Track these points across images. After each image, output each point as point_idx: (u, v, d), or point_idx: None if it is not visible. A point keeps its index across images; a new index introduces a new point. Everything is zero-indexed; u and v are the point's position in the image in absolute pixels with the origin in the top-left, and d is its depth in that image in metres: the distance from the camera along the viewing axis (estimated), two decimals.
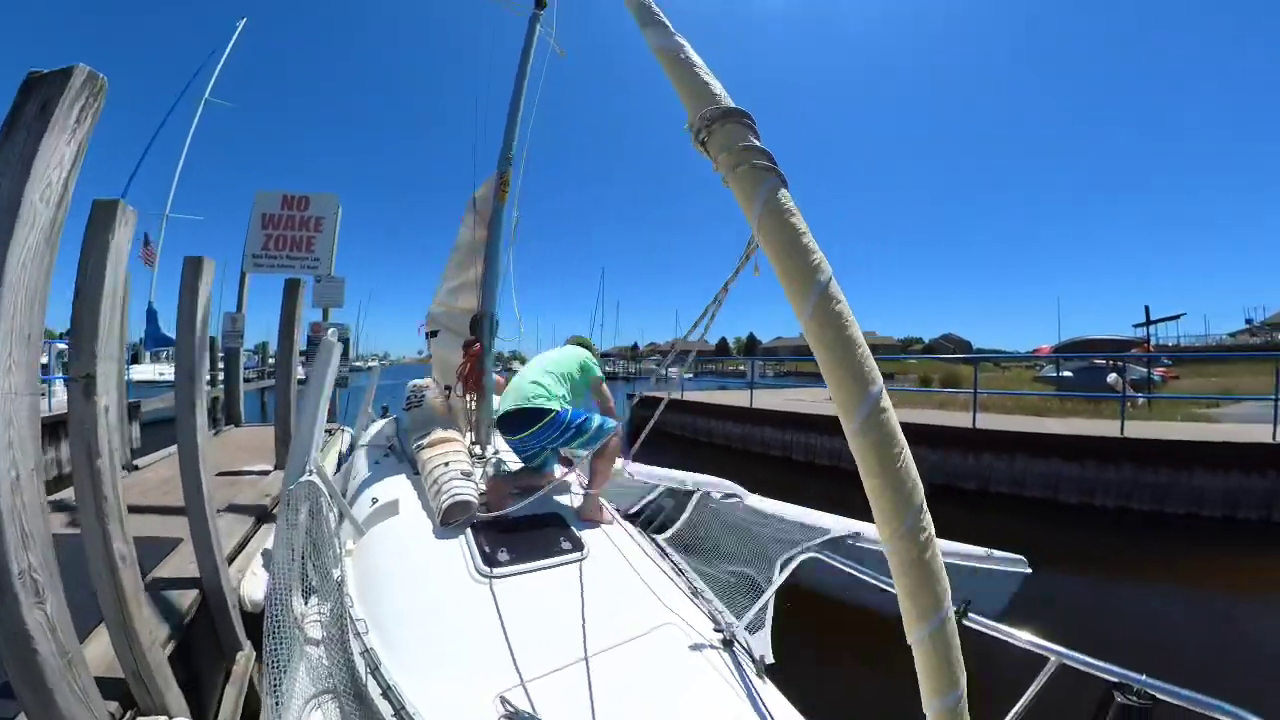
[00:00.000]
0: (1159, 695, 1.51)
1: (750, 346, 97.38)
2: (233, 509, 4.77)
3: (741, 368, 19.64)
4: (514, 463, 4.02)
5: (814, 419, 11.52)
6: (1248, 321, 67.58)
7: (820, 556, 3.44)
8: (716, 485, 5.42)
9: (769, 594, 3.09)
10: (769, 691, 2.17)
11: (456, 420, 4.51)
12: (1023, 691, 1.62)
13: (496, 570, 2.58)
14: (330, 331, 3.16)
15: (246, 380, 14.30)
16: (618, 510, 3.98)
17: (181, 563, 3.51)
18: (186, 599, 3.12)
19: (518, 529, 3.01)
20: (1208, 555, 6.76)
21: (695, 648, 2.28)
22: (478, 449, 4.17)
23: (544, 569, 2.68)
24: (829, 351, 1.08)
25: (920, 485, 1.09)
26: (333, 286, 9.75)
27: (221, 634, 3.23)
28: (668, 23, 1.27)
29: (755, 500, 5.36)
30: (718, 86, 1.22)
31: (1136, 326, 29.37)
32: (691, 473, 5.84)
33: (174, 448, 4.05)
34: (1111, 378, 16.58)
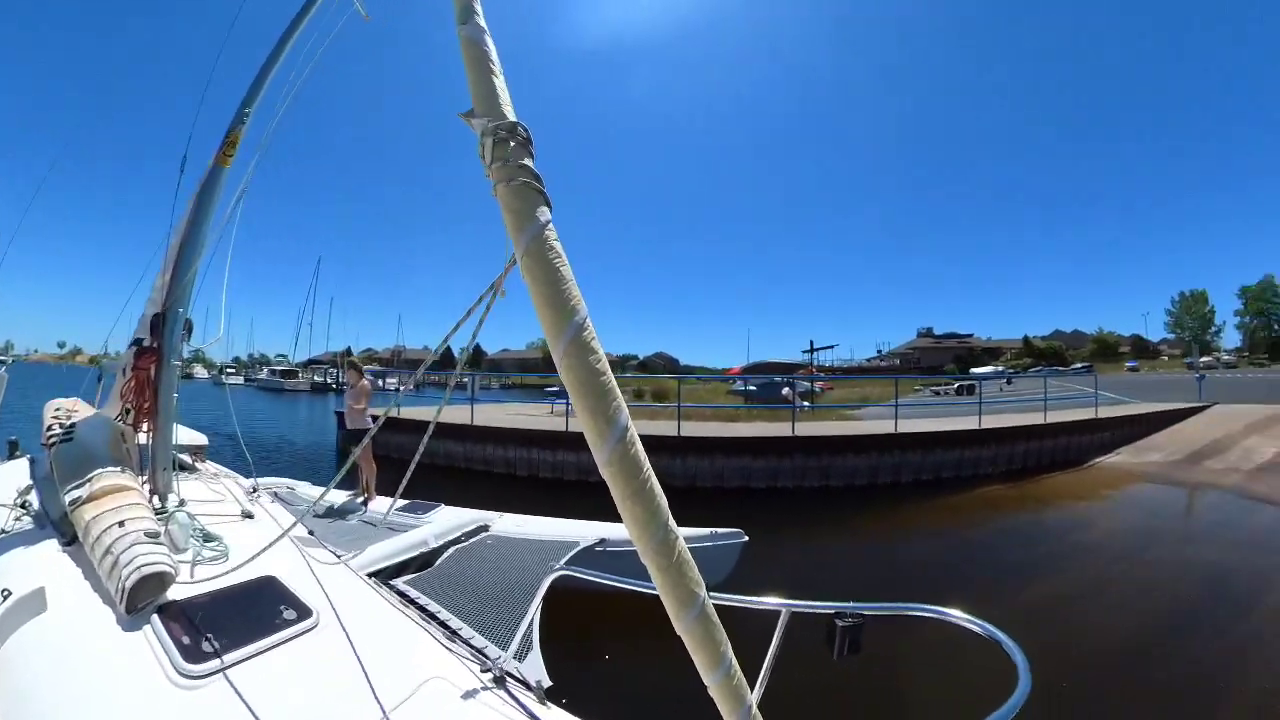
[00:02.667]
0: (866, 613, 1.88)
1: (475, 359, 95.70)
2: None
3: (463, 381, 19.09)
4: (206, 515, 3.24)
5: (537, 434, 11.58)
6: (878, 351, 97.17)
7: (570, 573, 3.44)
8: (463, 523, 5.10)
9: (529, 619, 2.99)
10: (555, 715, 2.13)
11: (129, 460, 3.37)
12: (770, 642, 1.90)
13: (205, 665, 1.97)
14: None
15: None
16: (361, 565, 3.58)
17: None
18: None
19: (222, 603, 2.37)
20: (862, 512, 9.47)
21: (467, 695, 2.09)
22: (158, 499, 3.23)
23: (267, 650, 2.13)
24: (580, 388, 1.12)
25: (665, 500, 1.19)
26: None
27: None
28: (484, 24, 1.24)
29: (504, 525, 5.22)
30: (508, 99, 1.20)
31: (804, 352, 37.94)
32: (435, 503, 5.47)
33: None
34: (785, 390, 20.82)
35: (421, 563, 4.34)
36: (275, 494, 5.16)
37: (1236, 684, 4.18)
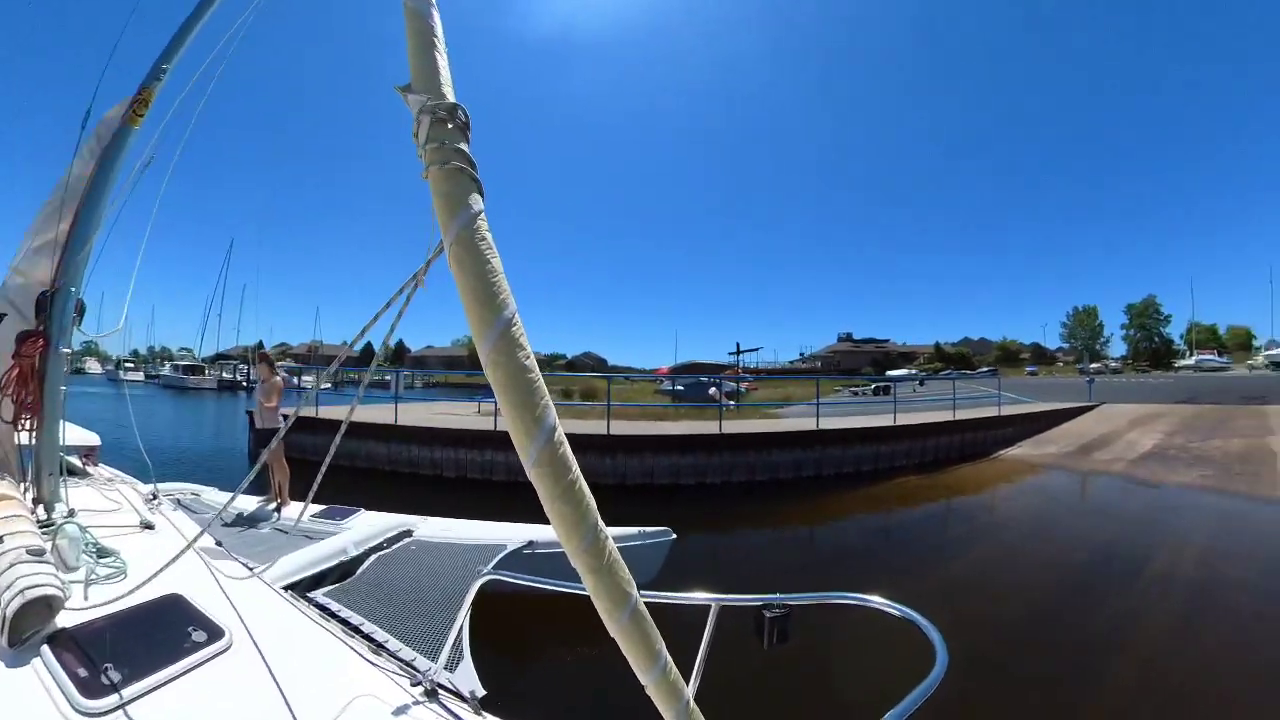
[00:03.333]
0: (791, 603, 1.93)
1: (398, 355, 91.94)
2: None
3: (386, 379, 18.38)
4: (100, 526, 2.96)
5: (465, 434, 11.25)
6: (801, 353, 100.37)
7: (499, 577, 3.32)
8: (384, 529, 4.86)
9: (458, 627, 2.87)
10: None
11: (8, 464, 3.08)
12: (701, 637, 1.91)
13: (105, 700, 1.74)
14: None
15: None
16: (275, 578, 3.35)
17: None
18: None
19: (122, 627, 2.12)
20: (787, 504, 9.94)
21: (398, 711, 1.97)
22: (42, 510, 2.92)
23: (176, 677, 1.92)
24: (508, 386, 1.08)
25: (593, 502, 1.16)
26: None
27: None
28: None
29: (428, 529, 5.02)
30: (449, 78, 1.15)
31: (730, 354, 38.78)
32: (354, 508, 5.22)
33: None
34: (712, 390, 21.47)
35: (341, 572, 4.12)
36: (178, 501, 4.76)
37: (1129, 639, 4.88)
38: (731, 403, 17.48)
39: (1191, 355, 57.84)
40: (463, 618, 2.87)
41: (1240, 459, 12.01)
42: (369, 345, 1.70)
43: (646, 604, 1.26)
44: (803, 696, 3.96)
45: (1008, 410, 16.57)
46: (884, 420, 13.59)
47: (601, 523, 1.17)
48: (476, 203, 1.10)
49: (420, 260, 1.33)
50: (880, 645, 3.80)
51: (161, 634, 2.11)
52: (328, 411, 12.08)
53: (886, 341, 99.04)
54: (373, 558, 4.33)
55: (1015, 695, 4.06)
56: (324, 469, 2.01)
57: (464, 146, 1.11)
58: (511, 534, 4.68)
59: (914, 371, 60.12)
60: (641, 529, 5.01)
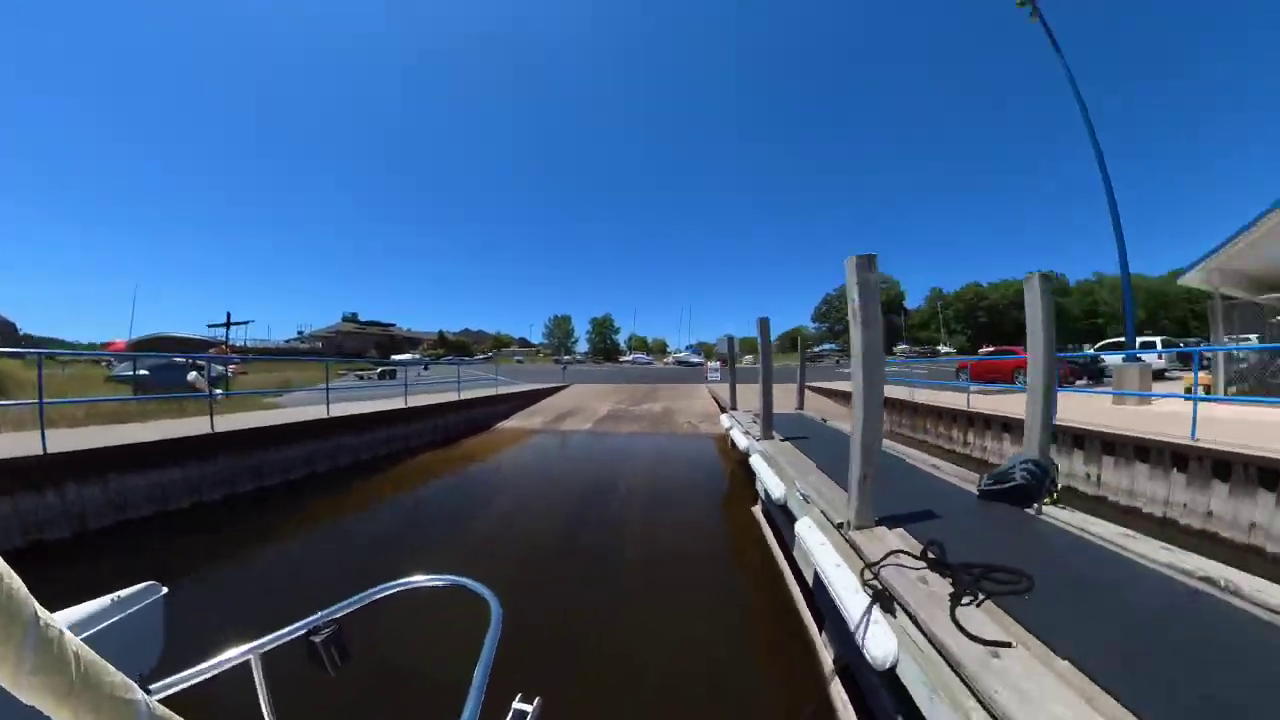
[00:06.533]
0: (339, 615, 1.77)
1: None
2: None
3: None
4: None
5: None
6: (300, 332, 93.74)
7: None
8: None
9: None
10: None
11: None
12: (255, 691, 1.63)
13: None
14: None
15: None
16: None
17: None
18: None
19: None
20: (308, 504, 8.97)
21: None
22: None
23: None
24: None
25: (21, 585, 0.80)
26: None
27: None
28: None
29: None
30: None
31: (212, 327, 31.77)
32: None
33: None
34: (192, 375, 17.73)
35: None
36: None
37: (625, 528, 7.42)
38: (220, 392, 14.40)
39: (630, 354, 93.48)
40: None
41: (660, 415, 19.15)
42: None
43: (166, 698, 1.03)
44: (392, 697, 3.78)
45: (503, 391, 20.76)
46: (396, 403, 14.47)
47: (46, 614, 0.82)
48: None
49: None
50: (443, 616, 3.96)
51: None
52: None
53: (392, 325, 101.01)
54: None
55: (570, 593, 5.43)
56: None
57: None
58: None
59: (420, 356, 62.21)
60: (115, 595, 3.53)
